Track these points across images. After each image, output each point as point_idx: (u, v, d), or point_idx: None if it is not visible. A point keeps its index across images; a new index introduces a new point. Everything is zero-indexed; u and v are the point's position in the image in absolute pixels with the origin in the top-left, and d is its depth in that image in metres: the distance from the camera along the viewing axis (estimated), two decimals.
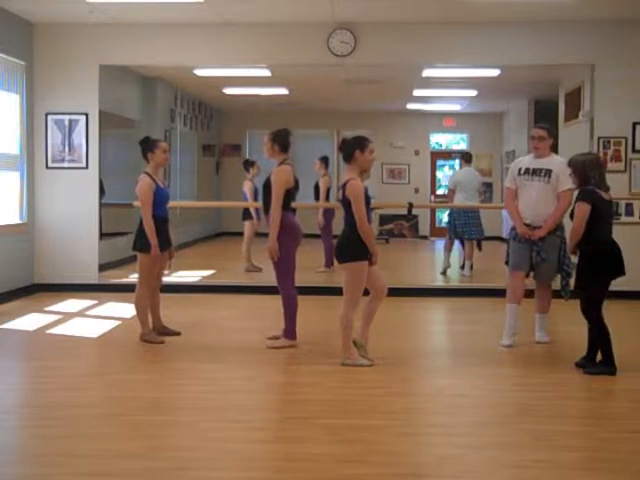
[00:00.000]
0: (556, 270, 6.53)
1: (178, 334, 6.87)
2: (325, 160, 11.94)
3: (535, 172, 6.52)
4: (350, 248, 5.76)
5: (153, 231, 6.49)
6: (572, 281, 6.11)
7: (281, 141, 6.44)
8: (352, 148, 5.80)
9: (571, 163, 5.82)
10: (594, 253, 5.62)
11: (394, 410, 4.89)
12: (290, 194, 6.44)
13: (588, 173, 5.67)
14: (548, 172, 6.47)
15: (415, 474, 3.88)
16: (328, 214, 11.29)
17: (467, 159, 11.66)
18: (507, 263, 6.68)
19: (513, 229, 6.64)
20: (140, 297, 6.62)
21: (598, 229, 5.62)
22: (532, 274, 6.63)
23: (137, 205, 6.77)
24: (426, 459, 4.14)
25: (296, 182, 6.62)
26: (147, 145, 6.72)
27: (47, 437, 4.33)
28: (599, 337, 5.61)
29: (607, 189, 5.74)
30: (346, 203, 5.76)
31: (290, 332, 6.42)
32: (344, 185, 5.78)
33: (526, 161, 6.69)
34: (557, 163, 6.52)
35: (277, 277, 6.41)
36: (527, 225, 6.48)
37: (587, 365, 5.72)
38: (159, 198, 6.62)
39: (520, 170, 6.60)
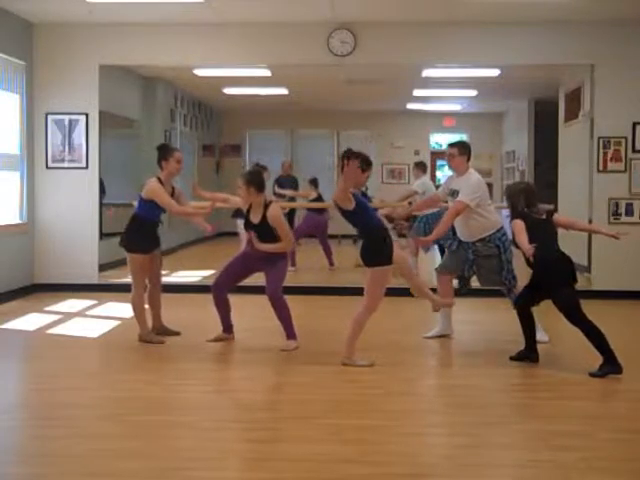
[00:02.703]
0: (499, 280, 6.63)
1: (178, 334, 6.88)
2: (314, 182, 12.03)
3: (452, 193, 6.68)
4: (376, 254, 5.85)
5: (191, 210, 6.85)
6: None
7: (257, 182, 6.45)
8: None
9: (505, 191, 6.15)
10: (536, 264, 5.72)
11: (394, 410, 4.89)
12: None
13: (514, 201, 5.90)
14: (456, 193, 6.61)
15: (415, 474, 3.88)
16: (315, 220, 11.46)
17: (424, 169, 11.67)
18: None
19: (453, 240, 6.79)
20: (135, 297, 6.63)
21: (536, 242, 5.67)
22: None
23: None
24: (426, 459, 4.14)
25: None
26: (162, 152, 6.70)
27: (47, 437, 4.33)
28: (593, 339, 5.60)
29: (540, 215, 5.91)
30: (348, 214, 5.80)
31: (291, 333, 6.43)
32: None
33: (450, 180, 6.84)
34: (463, 183, 6.61)
35: (273, 284, 6.38)
36: (462, 242, 6.66)
37: (525, 356, 5.99)
38: (156, 204, 6.59)
39: (447, 190, 6.81)
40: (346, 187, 5.65)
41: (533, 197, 5.97)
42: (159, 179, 6.61)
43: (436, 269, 6.98)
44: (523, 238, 5.69)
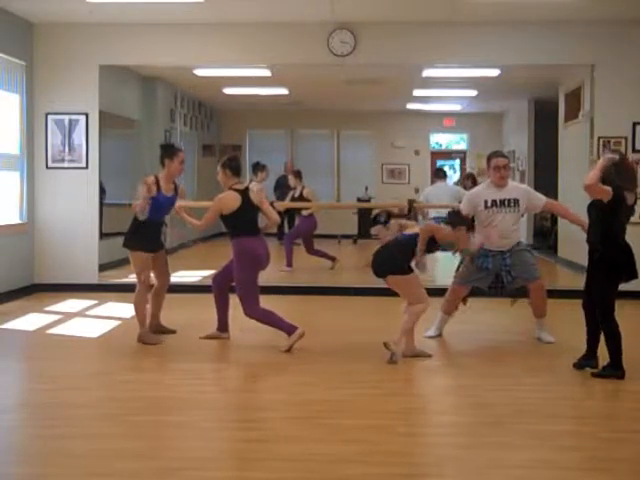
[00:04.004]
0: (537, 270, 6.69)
1: (173, 332, 6.90)
2: (298, 174, 11.89)
3: (503, 203, 6.62)
4: (391, 262, 6.03)
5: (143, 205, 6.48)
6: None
7: (232, 166, 6.49)
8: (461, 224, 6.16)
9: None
10: (609, 253, 5.55)
11: (394, 410, 4.89)
12: (248, 218, 6.41)
13: (606, 175, 5.54)
14: (516, 202, 6.62)
15: (415, 474, 3.88)
16: (311, 221, 11.43)
17: (439, 175, 11.67)
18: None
19: (485, 258, 6.65)
20: (137, 296, 6.62)
21: (614, 227, 5.54)
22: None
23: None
24: (426, 459, 4.14)
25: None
26: (167, 151, 6.72)
27: (47, 437, 4.33)
28: (610, 340, 5.57)
29: (633, 190, 5.59)
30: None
31: (288, 329, 6.38)
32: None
33: (487, 193, 6.68)
34: (518, 191, 6.73)
35: (240, 300, 6.39)
36: (490, 251, 6.58)
37: (587, 363, 5.70)
38: (158, 204, 6.57)
39: (486, 203, 6.61)
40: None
41: (628, 171, 5.66)
42: (156, 177, 6.61)
43: (456, 281, 6.87)
44: (596, 174, 5.44)
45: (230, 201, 6.38)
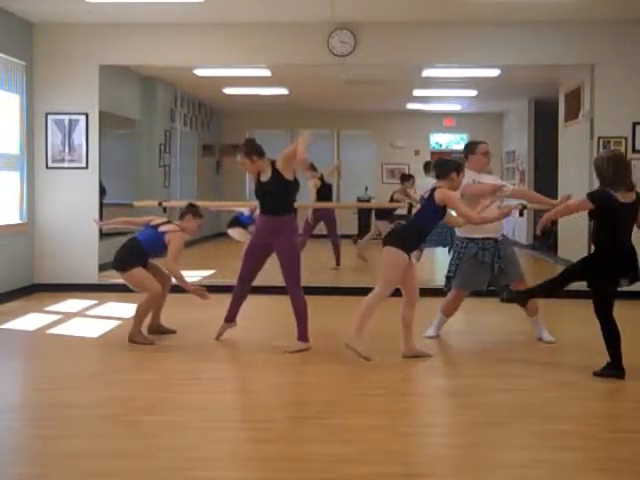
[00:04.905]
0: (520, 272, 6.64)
1: (173, 332, 6.89)
2: (312, 166, 11.84)
3: None
4: (401, 238, 5.95)
5: (184, 280, 6.62)
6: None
7: (256, 151, 6.34)
8: (450, 170, 6.03)
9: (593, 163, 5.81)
10: (602, 253, 5.56)
11: (394, 410, 4.89)
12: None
13: (601, 172, 5.56)
14: None
15: (415, 474, 3.88)
16: (323, 214, 11.38)
17: (426, 169, 11.68)
18: (449, 278, 6.71)
19: (465, 247, 6.57)
20: (144, 303, 6.60)
21: (609, 231, 5.51)
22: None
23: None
24: (426, 459, 4.14)
25: (296, 182, 6.54)
26: (192, 210, 6.82)
27: (47, 437, 4.33)
28: (607, 339, 5.57)
29: (628, 189, 5.52)
30: (430, 204, 5.93)
31: (304, 334, 6.35)
32: (433, 190, 5.98)
33: (479, 179, 6.65)
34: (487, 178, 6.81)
35: (291, 280, 6.31)
36: (491, 239, 6.53)
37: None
38: (161, 242, 6.63)
39: None
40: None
41: (623, 168, 5.56)
42: (181, 229, 6.71)
43: (448, 279, 6.86)
44: (571, 210, 5.68)
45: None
